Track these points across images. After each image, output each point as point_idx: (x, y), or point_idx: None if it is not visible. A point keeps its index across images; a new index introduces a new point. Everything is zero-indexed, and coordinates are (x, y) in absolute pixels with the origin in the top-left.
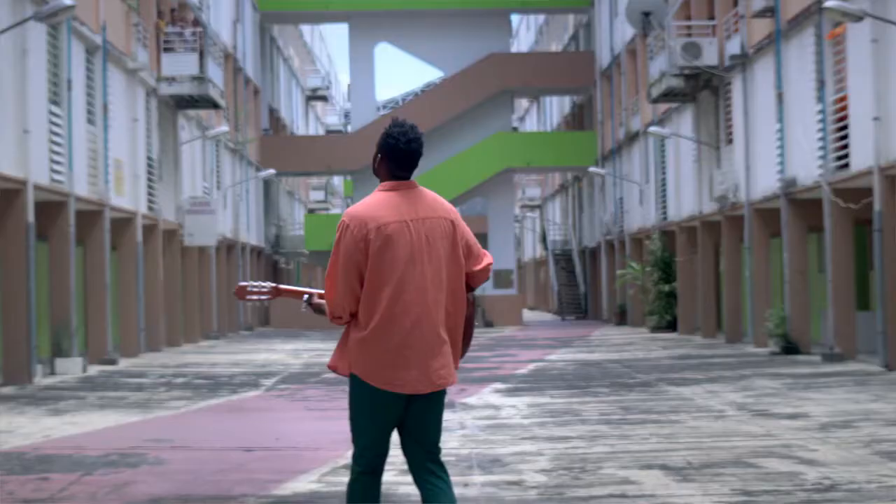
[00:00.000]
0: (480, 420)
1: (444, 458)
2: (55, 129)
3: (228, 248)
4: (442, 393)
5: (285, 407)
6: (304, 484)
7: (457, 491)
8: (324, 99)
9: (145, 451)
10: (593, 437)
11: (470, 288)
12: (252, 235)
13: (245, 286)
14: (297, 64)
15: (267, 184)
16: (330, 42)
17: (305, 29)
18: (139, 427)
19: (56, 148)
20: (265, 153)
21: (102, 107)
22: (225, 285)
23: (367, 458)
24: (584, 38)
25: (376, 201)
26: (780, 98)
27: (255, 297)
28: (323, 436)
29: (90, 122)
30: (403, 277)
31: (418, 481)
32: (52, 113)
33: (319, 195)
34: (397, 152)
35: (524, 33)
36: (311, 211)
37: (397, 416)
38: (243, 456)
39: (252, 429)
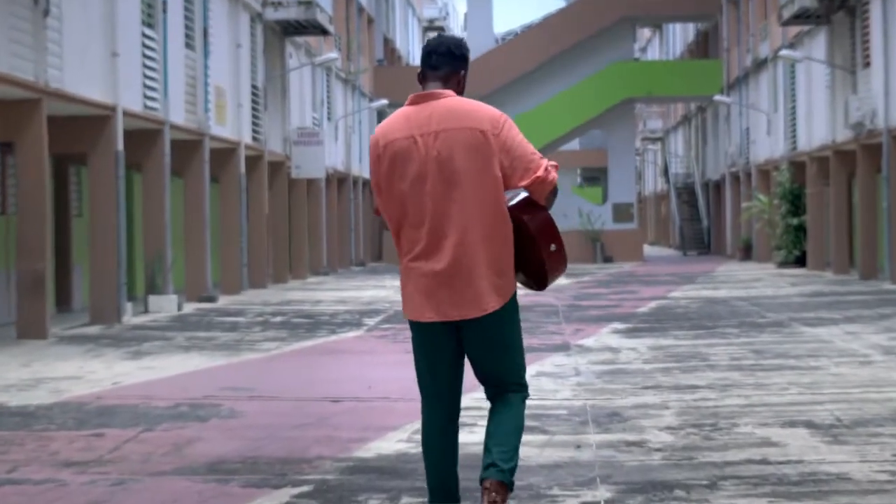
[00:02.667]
0: (597, 365)
1: (555, 411)
2: (149, 52)
3: (340, 181)
4: (493, 321)
5: (385, 349)
6: (391, 444)
7: (567, 454)
8: (441, 30)
9: (220, 401)
10: (724, 386)
11: (535, 205)
12: (365, 169)
13: None
14: None
15: (381, 116)
16: None
17: None
18: (221, 372)
19: (150, 73)
20: (379, 84)
21: (202, 31)
22: (336, 219)
23: (426, 398)
24: None
25: (394, 117)
26: None
27: None
28: None
29: (189, 46)
30: (410, 198)
31: None
32: (145, 36)
33: None
34: (421, 60)
35: None
36: None
37: (442, 350)
38: (328, 408)
39: (345, 375)
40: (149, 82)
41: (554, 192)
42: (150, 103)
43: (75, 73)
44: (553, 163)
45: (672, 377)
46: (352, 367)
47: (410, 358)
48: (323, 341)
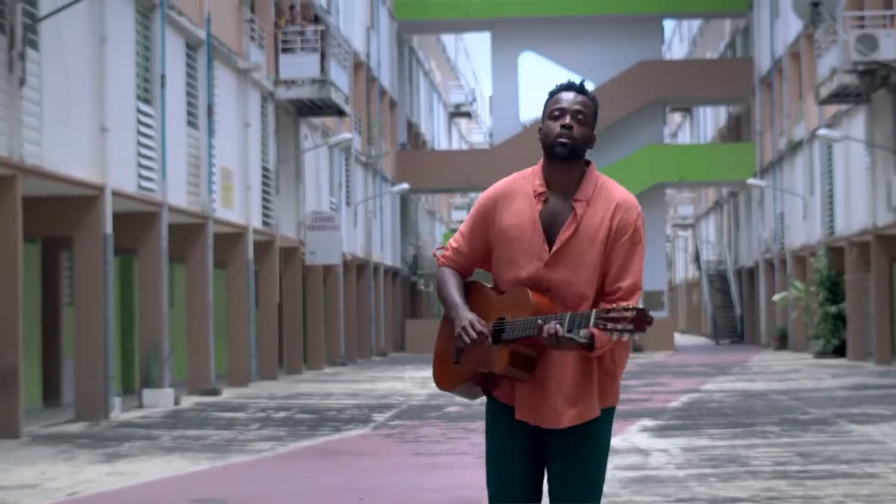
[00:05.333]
0: (624, 471)
1: None
2: (144, 129)
3: (360, 267)
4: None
5: (390, 450)
6: None
7: None
8: (468, 116)
9: None
10: (770, 499)
11: None
12: (387, 255)
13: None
14: (439, 78)
15: (405, 202)
16: (475, 57)
17: (448, 43)
18: (198, 479)
19: (145, 151)
20: (401, 168)
21: (206, 108)
22: (354, 307)
23: None
24: (741, 45)
25: None
26: None
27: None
28: (422, 496)
29: (191, 125)
30: None
31: None
32: (140, 111)
33: (462, 215)
34: None
35: (677, 44)
36: (452, 231)
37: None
38: None
39: (337, 483)
40: (144, 161)
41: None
42: (145, 183)
43: (56, 148)
44: (446, 246)
45: (709, 487)
46: (348, 472)
47: (415, 461)
48: (323, 441)
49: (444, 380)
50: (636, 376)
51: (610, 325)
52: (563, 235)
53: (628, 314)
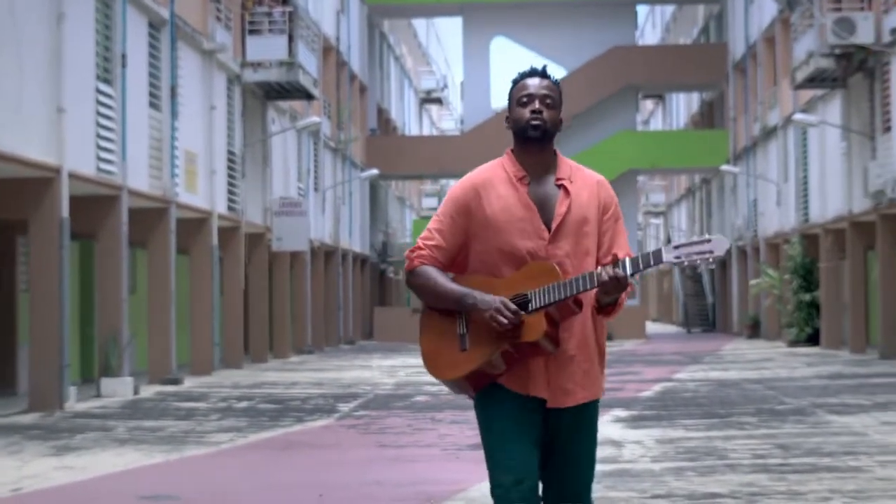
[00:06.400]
0: (597, 464)
1: None
2: (104, 110)
3: (328, 254)
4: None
5: (354, 442)
6: None
7: None
8: (439, 102)
9: None
10: (751, 494)
11: None
12: (356, 242)
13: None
14: (411, 64)
15: (374, 189)
16: (447, 44)
17: (420, 28)
18: (150, 474)
19: (105, 132)
20: (371, 154)
21: (170, 90)
22: (322, 295)
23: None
24: (714, 31)
25: None
26: None
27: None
28: (383, 491)
29: (154, 106)
30: None
31: None
32: (100, 91)
33: (432, 202)
34: None
35: (650, 31)
36: (424, 218)
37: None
38: None
39: (295, 478)
40: (103, 143)
41: (407, 280)
42: (104, 166)
43: (10, 128)
44: (416, 245)
45: (686, 481)
46: (307, 467)
47: (380, 453)
48: (284, 432)
49: (448, 369)
50: (607, 364)
51: (686, 257)
52: (560, 211)
53: (706, 243)
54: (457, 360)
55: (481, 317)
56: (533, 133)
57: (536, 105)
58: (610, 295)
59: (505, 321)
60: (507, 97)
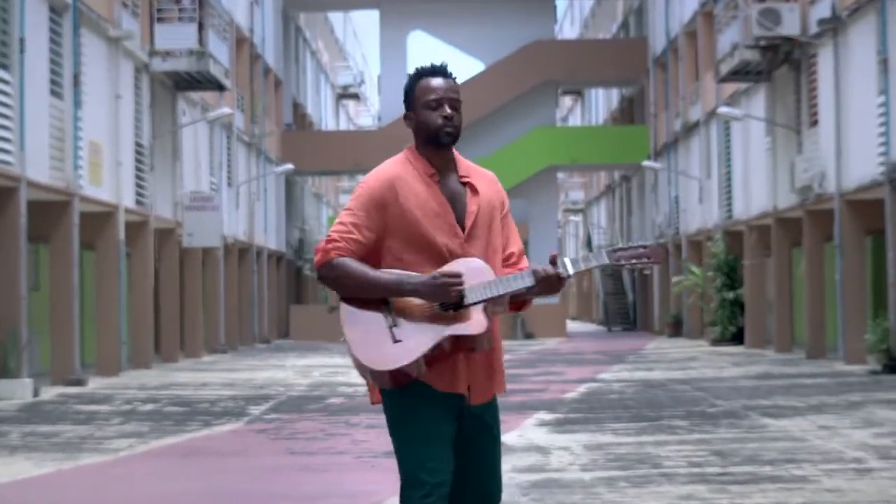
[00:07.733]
0: (522, 474)
1: None
2: (0, 97)
3: (242, 251)
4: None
5: (261, 449)
6: None
7: None
8: (356, 97)
9: None
10: None
11: None
12: (271, 239)
13: None
14: (327, 59)
15: (290, 185)
16: (364, 39)
17: (337, 23)
18: (36, 486)
19: (1, 121)
20: (287, 149)
21: (72, 77)
22: (236, 293)
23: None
24: (634, 26)
25: None
26: (884, 65)
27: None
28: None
29: (55, 94)
30: None
31: None
32: None
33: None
34: None
35: (568, 27)
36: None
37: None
38: None
39: (198, 486)
40: (0, 132)
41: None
42: (1, 156)
43: None
44: (331, 237)
45: (620, 493)
46: (210, 476)
47: (289, 461)
48: (189, 438)
49: (379, 360)
50: (529, 364)
51: (626, 261)
52: (472, 209)
53: (643, 249)
54: (387, 354)
55: (420, 302)
56: (447, 140)
57: (447, 111)
58: (542, 294)
59: (460, 287)
60: (405, 93)
